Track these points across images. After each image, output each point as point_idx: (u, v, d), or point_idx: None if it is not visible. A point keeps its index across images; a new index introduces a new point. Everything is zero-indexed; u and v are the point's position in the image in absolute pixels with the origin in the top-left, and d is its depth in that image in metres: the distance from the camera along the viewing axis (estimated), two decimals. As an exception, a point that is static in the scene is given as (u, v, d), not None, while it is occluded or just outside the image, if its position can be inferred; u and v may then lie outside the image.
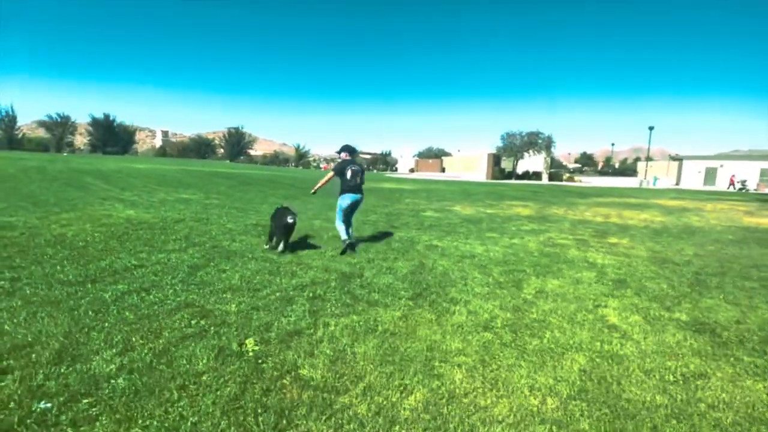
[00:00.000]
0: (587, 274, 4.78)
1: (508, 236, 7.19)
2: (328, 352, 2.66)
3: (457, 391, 2.29)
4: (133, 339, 2.73)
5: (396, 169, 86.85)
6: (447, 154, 77.78)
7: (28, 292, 3.45)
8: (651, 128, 37.72)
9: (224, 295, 3.66)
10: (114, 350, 2.56)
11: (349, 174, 5.59)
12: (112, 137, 60.90)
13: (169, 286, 3.82)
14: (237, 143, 79.94)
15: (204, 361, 2.49)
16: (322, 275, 4.38)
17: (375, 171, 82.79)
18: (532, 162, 44.45)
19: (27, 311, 3.05)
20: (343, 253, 5.33)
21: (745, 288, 4.40)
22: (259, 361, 2.52)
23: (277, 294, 3.73)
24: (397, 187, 21.66)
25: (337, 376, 2.39)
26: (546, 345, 2.89)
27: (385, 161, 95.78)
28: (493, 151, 43.49)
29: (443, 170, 72.62)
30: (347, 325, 3.10)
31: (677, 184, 44.39)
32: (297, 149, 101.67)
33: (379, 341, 2.83)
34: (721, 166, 41.36)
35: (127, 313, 3.14)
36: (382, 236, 6.80)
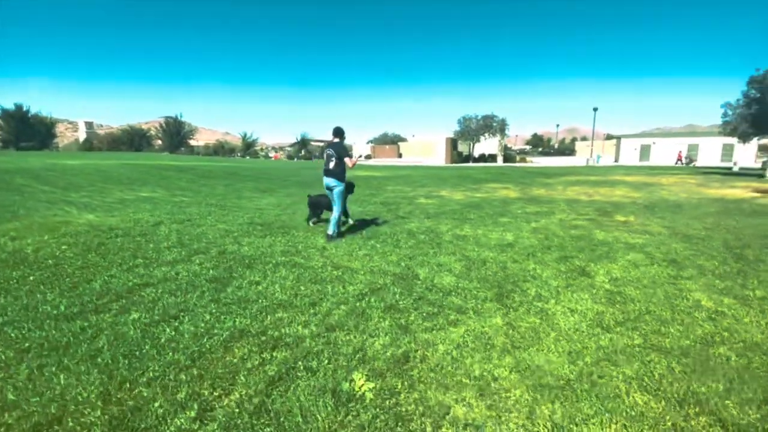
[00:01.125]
0: (636, 255, 4.67)
1: (523, 221, 7.00)
2: (466, 381, 2.16)
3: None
4: (204, 392, 2.03)
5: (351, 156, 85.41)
6: (403, 140, 77.84)
7: (13, 335, 2.54)
8: (595, 109, 40.29)
9: (279, 315, 2.98)
10: (189, 414, 1.86)
11: (325, 157, 5.63)
12: (26, 131, 52.89)
13: (202, 309, 3.06)
14: (176, 133, 73.44)
15: (322, 413, 1.88)
16: (374, 279, 3.80)
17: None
18: (488, 145, 45.69)
19: (27, 366, 2.20)
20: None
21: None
22: (391, 402, 1.97)
23: (343, 308, 3.13)
24: (369, 174, 21.01)
25: (503, 411, 1.91)
26: (692, 339, 2.61)
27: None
28: (451, 135, 44.01)
29: (400, 156, 72.71)
30: (455, 341, 2.60)
31: (616, 161, 48.12)
32: (243, 138, 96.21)
33: (513, 360, 2.38)
34: (654, 143, 45.54)
35: (172, 354, 2.39)
36: (396, 227, 6.29)
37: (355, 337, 2.65)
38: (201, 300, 3.25)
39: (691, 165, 36.84)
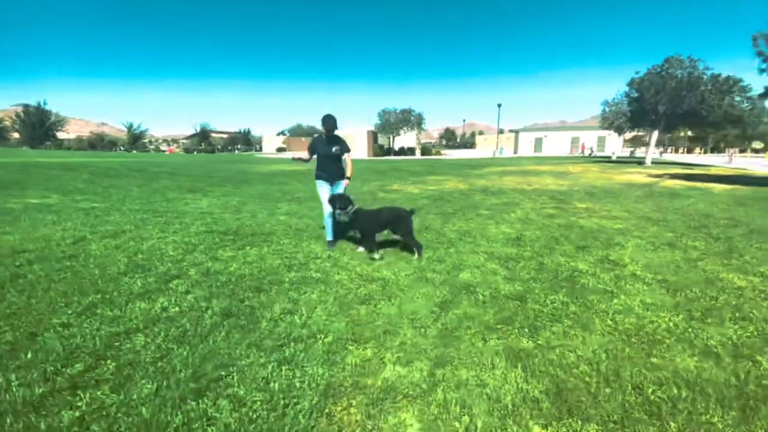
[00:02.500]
0: (636, 241, 4.92)
1: (501, 212, 7.03)
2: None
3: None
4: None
5: (259, 149, 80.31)
6: (319, 132, 75.46)
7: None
8: (499, 105, 44.14)
9: (360, 354, 2.29)
10: None
11: (321, 158, 4.74)
12: None
13: (248, 363, 2.21)
14: (39, 124, 60.03)
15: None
16: (427, 290, 3.26)
17: (236, 152, 74.64)
18: (406, 138, 46.92)
19: None
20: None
21: (740, 233, 5.21)
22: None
23: (430, 334, 2.55)
24: (297, 169, 19.69)
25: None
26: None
27: (246, 140, 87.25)
28: (372, 128, 44.01)
29: (316, 149, 70.52)
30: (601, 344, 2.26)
31: (515, 152, 53.67)
32: (129, 130, 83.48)
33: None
34: (545, 136, 51.95)
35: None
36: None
37: (477, 374, 2.13)
38: (235, 348, 2.36)
39: (592, 155, 42.83)
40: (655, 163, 23.95)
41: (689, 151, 65.15)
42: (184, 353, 2.30)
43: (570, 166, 21.33)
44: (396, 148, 46.71)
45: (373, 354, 2.31)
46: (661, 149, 51.42)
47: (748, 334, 2.55)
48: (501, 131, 51.63)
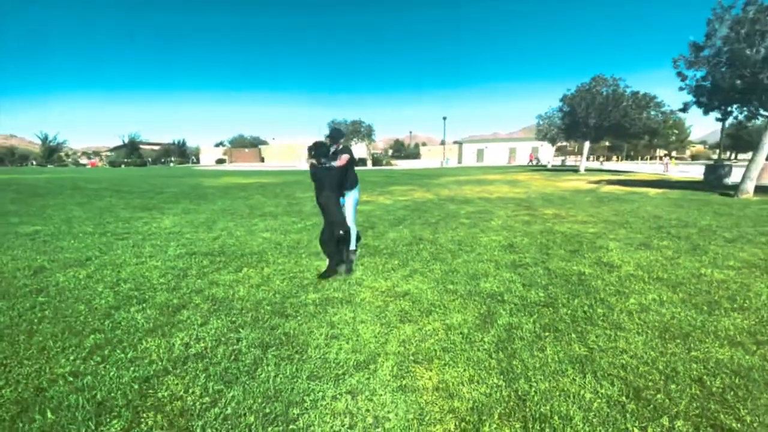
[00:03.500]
0: (614, 244, 5.36)
1: (480, 221, 7.31)
2: (730, 402, 1.97)
3: None
4: None
5: (196, 161, 75.63)
6: (264, 143, 72.50)
7: None
8: (444, 118, 46.11)
9: (458, 374, 2.22)
10: None
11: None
12: None
13: (326, 399, 2.03)
14: (-77, 135, 50.98)
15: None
16: (462, 302, 3.26)
17: (171, 164, 69.43)
18: (357, 149, 47.07)
19: None
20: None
21: (694, 233, 5.91)
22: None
23: (497, 353, 2.54)
24: (252, 181, 18.79)
25: None
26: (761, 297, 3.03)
27: (181, 152, 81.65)
28: (322, 139, 43.51)
29: (263, 160, 67.98)
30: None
31: (460, 162, 56.26)
32: (44, 142, 74.50)
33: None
34: (486, 147, 55.19)
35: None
36: (379, 240, 5.70)
37: (555, 384, 2.16)
38: (294, 382, 2.16)
39: (538, 164, 46.02)
40: (588, 170, 26.52)
41: (608, 159, 73.05)
42: (239, 394, 2.05)
43: (516, 174, 22.83)
44: (347, 159, 46.63)
45: (442, 373, 2.25)
46: (592, 157, 56.84)
47: (754, 321, 2.88)
48: (443, 142, 53.92)
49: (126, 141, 76.85)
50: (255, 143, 76.71)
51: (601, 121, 22.74)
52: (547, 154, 49.07)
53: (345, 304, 3.26)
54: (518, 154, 53.42)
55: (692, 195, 11.10)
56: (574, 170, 26.12)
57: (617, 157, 73.26)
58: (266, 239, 5.81)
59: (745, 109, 11.17)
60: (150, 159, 75.01)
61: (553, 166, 36.87)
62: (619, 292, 3.52)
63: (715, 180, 15.17)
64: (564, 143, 42.74)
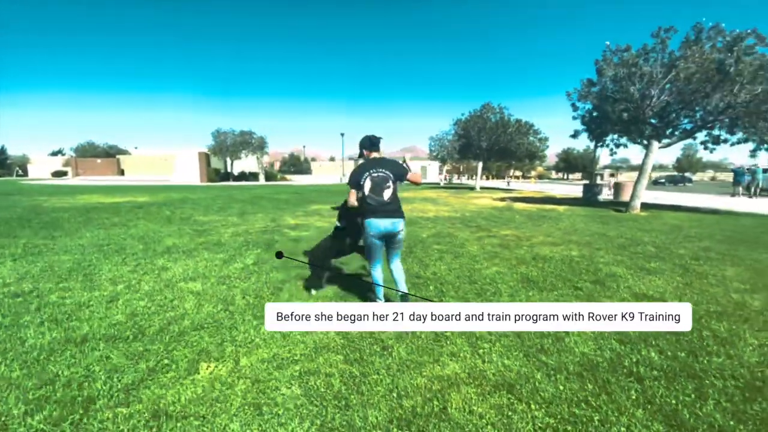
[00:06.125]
0: (612, 266, 5.09)
1: (469, 248, 6.50)
2: None
3: None
4: None
5: (23, 173, 59.24)
6: (124, 152, 59.94)
7: None
8: (342, 134, 45.57)
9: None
10: None
11: (368, 185, 3.18)
12: None
13: None
14: None
15: None
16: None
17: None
18: (248, 163, 42.79)
19: None
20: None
21: (646, 246, 6.13)
22: None
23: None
24: (122, 200, 14.67)
25: None
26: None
27: (0, 162, 63.01)
28: (204, 150, 38.11)
29: (122, 173, 56.45)
30: None
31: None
32: None
33: None
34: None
35: None
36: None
37: None
38: None
39: (449, 182, 48.13)
40: (483, 188, 29.02)
41: (481, 177, 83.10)
42: None
43: (422, 192, 23.40)
44: (235, 173, 42.11)
45: None
46: (476, 177, 63.18)
47: None
48: (332, 159, 53.36)
49: None
50: (111, 152, 63.51)
51: (492, 144, 25.12)
52: (434, 172, 52.91)
53: (413, 371, 1.89)
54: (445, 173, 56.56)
55: (595, 212, 12.49)
56: (471, 188, 28.27)
57: (487, 176, 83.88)
58: (199, 295, 3.85)
59: (625, 137, 13.21)
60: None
61: (445, 183, 39.64)
62: (678, 296, 2.97)
63: (591, 196, 17.80)
64: (455, 164, 46.61)
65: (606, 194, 19.59)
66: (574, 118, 13.78)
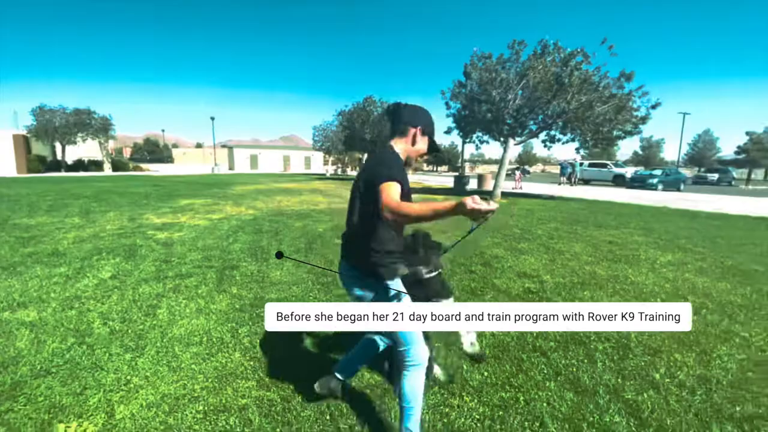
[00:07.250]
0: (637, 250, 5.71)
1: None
2: None
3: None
4: None
5: None
6: None
7: None
8: (212, 118, 40.75)
9: None
10: None
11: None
12: None
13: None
14: None
15: None
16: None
17: None
18: (87, 148, 34.59)
19: None
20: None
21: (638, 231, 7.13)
22: None
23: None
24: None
25: None
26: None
27: None
28: (23, 131, 29.25)
29: None
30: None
31: (231, 168, 51.69)
32: None
33: None
34: (260, 153, 52.91)
35: None
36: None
37: None
38: None
39: (335, 173, 46.24)
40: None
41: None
42: None
43: (310, 183, 22.77)
44: (69, 161, 33.91)
45: None
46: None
47: None
48: (199, 145, 48.01)
49: None
50: None
51: (375, 137, 25.89)
52: (319, 163, 52.21)
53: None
54: (292, 162, 54.32)
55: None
56: (355, 179, 28.71)
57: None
58: (36, 327, 2.87)
59: (488, 135, 15.09)
60: None
61: (331, 175, 39.43)
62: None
63: (461, 186, 19.97)
64: (339, 155, 46.55)
65: (473, 185, 22.30)
66: (447, 116, 15.12)
